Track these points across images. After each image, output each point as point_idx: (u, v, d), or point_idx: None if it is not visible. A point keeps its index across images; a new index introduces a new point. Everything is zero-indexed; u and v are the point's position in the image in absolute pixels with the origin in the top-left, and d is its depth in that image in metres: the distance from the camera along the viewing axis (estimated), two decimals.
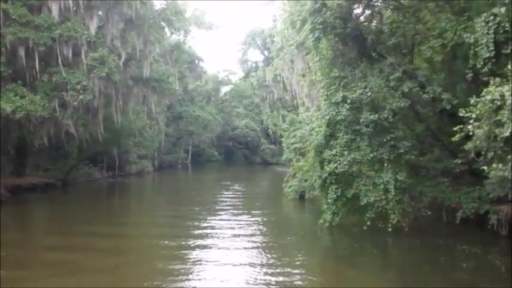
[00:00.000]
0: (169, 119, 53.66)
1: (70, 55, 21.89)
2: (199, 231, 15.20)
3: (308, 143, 23.02)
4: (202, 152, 70.87)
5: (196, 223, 16.82)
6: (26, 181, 26.63)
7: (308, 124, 23.57)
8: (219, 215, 18.96)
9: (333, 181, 14.30)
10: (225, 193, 28.50)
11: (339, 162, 13.94)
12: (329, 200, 14.39)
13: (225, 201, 23.85)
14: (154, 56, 31.20)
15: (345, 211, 14.79)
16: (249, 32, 51.29)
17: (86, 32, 21.95)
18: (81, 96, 21.33)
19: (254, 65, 53.91)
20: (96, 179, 35.28)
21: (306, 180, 23.51)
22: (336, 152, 14.09)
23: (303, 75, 32.31)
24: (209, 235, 14.53)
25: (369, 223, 13.64)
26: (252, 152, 75.54)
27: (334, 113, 13.71)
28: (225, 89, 75.40)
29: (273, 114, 51.87)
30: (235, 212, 20.01)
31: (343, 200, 14.36)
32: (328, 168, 14.10)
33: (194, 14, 53.73)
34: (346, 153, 13.84)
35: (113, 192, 31.13)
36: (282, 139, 52.22)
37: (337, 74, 13.79)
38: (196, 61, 62.10)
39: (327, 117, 14.20)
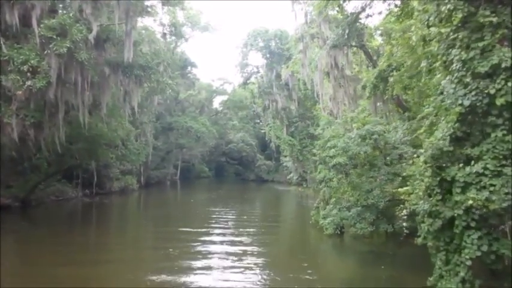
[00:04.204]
0: (158, 131, 47.86)
1: (16, 22, 14.81)
2: None
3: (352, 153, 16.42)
4: (192, 167, 65.02)
5: None
6: None
7: (354, 128, 16.95)
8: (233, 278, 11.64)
9: (473, 224, 7.52)
10: (227, 224, 21.30)
11: (490, 189, 7.19)
12: (466, 257, 7.57)
13: (231, 242, 16.53)
14: (141, 49, 24.37)
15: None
16: (251, 31, 44.81)
17: None
18: (28, 83, 14.20)
19: (255, 69, 47.58)
20: (69, 198, 29.91)
21: (349, 209, 16.97)
22: (483, 169, 7.34)
23: (327, 73, 26.37)
24: None
25: None
26: (246, 168, 71.66)
27: (485, 94, 6.97)
28: (219, 99, 69.41)
29: (276, 125, 45.63)
30: (251, 262, 13.07)
31: (490, 259, 7.58)
32: (470, 201, 7.28)
33: (189, 13, 47.49)
34: (509, 171, 7.09)
35: (85, 218, 24.34)
36: (284, 153, 45.59)
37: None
38: (189, 67, 56.21)
39: (465, 103, 7.47)
